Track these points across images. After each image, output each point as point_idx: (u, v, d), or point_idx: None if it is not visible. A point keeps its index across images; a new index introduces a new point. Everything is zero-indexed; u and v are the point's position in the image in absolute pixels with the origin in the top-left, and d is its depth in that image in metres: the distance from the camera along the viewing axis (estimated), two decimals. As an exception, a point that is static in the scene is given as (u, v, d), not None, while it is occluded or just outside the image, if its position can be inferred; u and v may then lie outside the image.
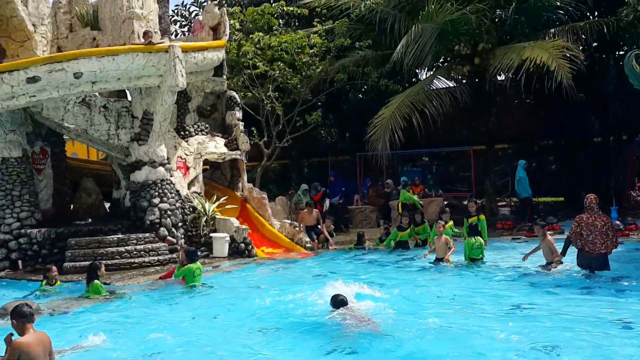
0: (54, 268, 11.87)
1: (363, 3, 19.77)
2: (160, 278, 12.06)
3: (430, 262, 13.10)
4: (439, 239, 13.22)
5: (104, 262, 12.69)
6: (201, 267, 11.71)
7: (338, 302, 8.58)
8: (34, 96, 12.84)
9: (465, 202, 19.57)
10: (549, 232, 12.54)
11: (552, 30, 19.04)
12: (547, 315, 8.44)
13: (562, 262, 11.42)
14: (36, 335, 5.86)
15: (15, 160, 14.03)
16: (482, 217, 13.90)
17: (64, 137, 16.00)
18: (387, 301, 9.74)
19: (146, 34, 13.97)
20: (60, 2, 16.03)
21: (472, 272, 12.22)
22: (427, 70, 22.15)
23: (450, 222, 14.67)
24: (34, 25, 15.09)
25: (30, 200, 14.20)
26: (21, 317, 5.85)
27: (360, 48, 20.60)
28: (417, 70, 22.91)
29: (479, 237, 13.06)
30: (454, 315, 8.80)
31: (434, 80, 20.18)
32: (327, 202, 18.63)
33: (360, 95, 24.01)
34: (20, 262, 13.72)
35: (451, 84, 21.12)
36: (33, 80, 12.58)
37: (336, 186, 20.81)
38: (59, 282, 11.78)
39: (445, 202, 19.89)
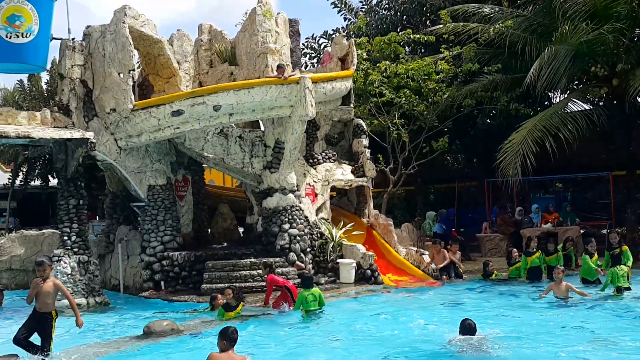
0: (220, 296, 12.24)
1: (492, 27, 19.46)
2: (265, 304, 12.24)
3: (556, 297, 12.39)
4: (559, 286, 12.15)
5: (237, 284, 13.42)
6: (316, 293, 11.55)
7: (466, 327, 8.54)
8: (178, 128, 13.86)
9: (604, 232, 18.48)
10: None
11: (700, 48, 17.69)
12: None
13: None
14: (230, 358, 6.62)
15: (161, 188, 15.14)
16: (625, 248, 13.09)
17: (203, 165, 17.04)
18: (513, 332, 9.43)
19: (280, 67, 14.64)
20: (201, 41, 17.24)
21: (611, 305, 11.50)
22: (561, 93, 21.30)
23: (595, 256, 13.82)
24: (178, 62, 16.33)
25: (173, 224, 15.22)
26: (230, 341, 6.78)
27: (489, 72, 20.24)
28: (549, 94, 22.12)
29: (623, 266, 12.32)
30: (590, 349, 8.35)
31: (569, 103, 19.36)
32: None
33: (488, 120, 23.49)
34: (162, 283, 14.69)
35: (587, 106, 20.14)
36: (177, 113, 13.60)
37: (448, 220, 20.37)
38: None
39: (582, 232, 18.85)
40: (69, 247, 13.70)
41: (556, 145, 17.14)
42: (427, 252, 16.65)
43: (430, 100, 19.89)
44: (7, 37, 13.27)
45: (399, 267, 16.41)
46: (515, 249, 16.02)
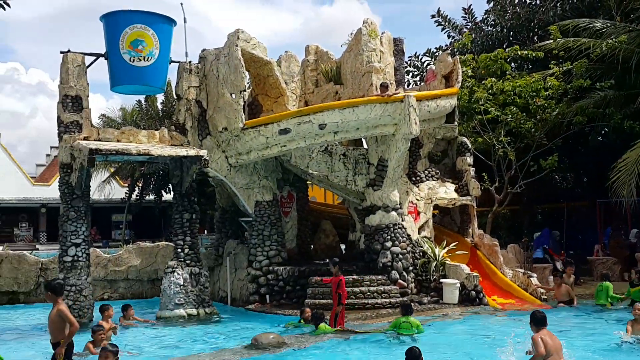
0: (307, 310, 12.62)
1: (604, 42, 18.66)
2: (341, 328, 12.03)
3: None
4: (637, 323, 10.87)
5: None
6: (414, 323, 11.46)
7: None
8: (285, 146, 14.31)
9: None
10: None
11: None
12: None
13: None
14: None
15: (267, 204, 15.62)
16: None
17: (307, 182, 17.41)
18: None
19: (383, 85, 14.78)
20: (308, 61, 17.71)
21: None
22: (680, 110, 20.03)
23: None
24: (285, 82, 16.84)
25: (278, 240, 15.63)
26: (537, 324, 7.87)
27: (601, 88, 19.38)
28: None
29: None
30: None
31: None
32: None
33: (600, 138, 22.46)
34: (267, 296, 15.08)
35: None
36: (284, 131, 14.04)
37: (541, 240, 19.51)
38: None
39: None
40: (182, 259, 14.40)
41: (676, 165, 16.14)
42: (535, 275, 16.10)
43: (538, 117, 19.32)
44: (130, 60, 14.27)
45: (505, 289, 15.93)
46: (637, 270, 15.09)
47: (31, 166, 48.50)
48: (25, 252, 18.47)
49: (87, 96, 14.18)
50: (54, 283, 8.19)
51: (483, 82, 19.66)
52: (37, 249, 32.86)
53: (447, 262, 15.61)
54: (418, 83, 25.08)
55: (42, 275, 16.99)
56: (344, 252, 18.17)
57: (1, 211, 40.87)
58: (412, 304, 14.28)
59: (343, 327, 11.95)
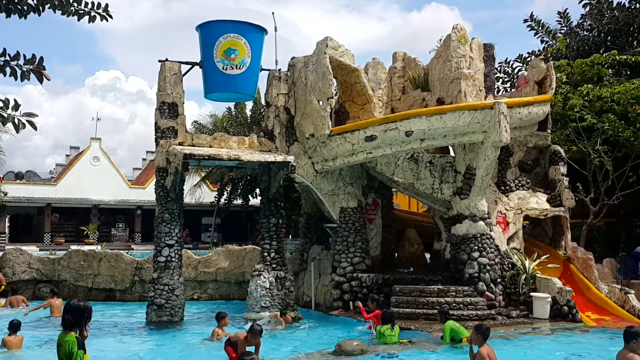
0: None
1: None
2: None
3: None
4: None
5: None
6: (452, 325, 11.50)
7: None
8: (370, 153, 14.31)
9: None
10: None
11: None
12: None
13: None
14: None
15: (352, 210, 15.67)
16: None
17: (392, 189, 17.32)
18: None
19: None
20: (395, 68, 17.65)
21: None
22: None
23: None
24: (372, 89, 16.86)
25: (362, 247, 15.64)
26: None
27: None
28: None
29: None
30: None
31: None
32: None
33: None
34: (351, 303, 15.08)
35: None
36: (370, 138, 14.05)
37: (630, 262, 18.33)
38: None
39: None
40: (268, 263, 14.68)
41: None
42: (632, 291, 15.26)
43: (638, 125, 18.34)
44: (223, 69, 14.73)
45: (600, 305, 15.17)
46: None
47: (128, 169, 51.05)
48: (122, 251, 19.36)
49: (183, 103, 14.73)
50: None
51: (578, 88, 18.89)
52: (132, 249, 34.43)
53: (537, 275, 15.05)
54: (508, 89, 24.43)
55: (137, 274, 17.78)
56: (428, 261, 17.93)
57: (100, 212, 43.17)
58: (500, 317, 14.00)
59: None
